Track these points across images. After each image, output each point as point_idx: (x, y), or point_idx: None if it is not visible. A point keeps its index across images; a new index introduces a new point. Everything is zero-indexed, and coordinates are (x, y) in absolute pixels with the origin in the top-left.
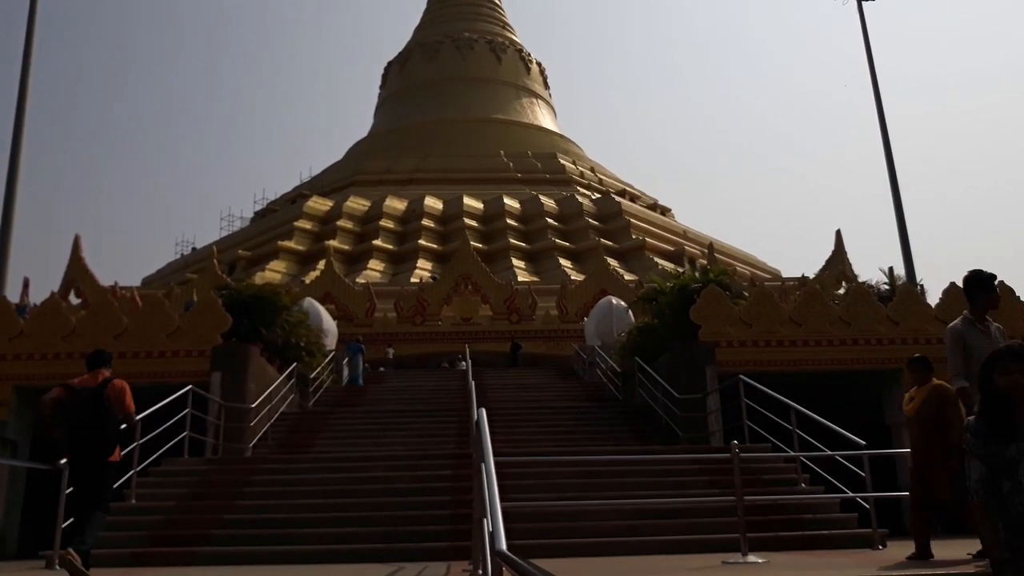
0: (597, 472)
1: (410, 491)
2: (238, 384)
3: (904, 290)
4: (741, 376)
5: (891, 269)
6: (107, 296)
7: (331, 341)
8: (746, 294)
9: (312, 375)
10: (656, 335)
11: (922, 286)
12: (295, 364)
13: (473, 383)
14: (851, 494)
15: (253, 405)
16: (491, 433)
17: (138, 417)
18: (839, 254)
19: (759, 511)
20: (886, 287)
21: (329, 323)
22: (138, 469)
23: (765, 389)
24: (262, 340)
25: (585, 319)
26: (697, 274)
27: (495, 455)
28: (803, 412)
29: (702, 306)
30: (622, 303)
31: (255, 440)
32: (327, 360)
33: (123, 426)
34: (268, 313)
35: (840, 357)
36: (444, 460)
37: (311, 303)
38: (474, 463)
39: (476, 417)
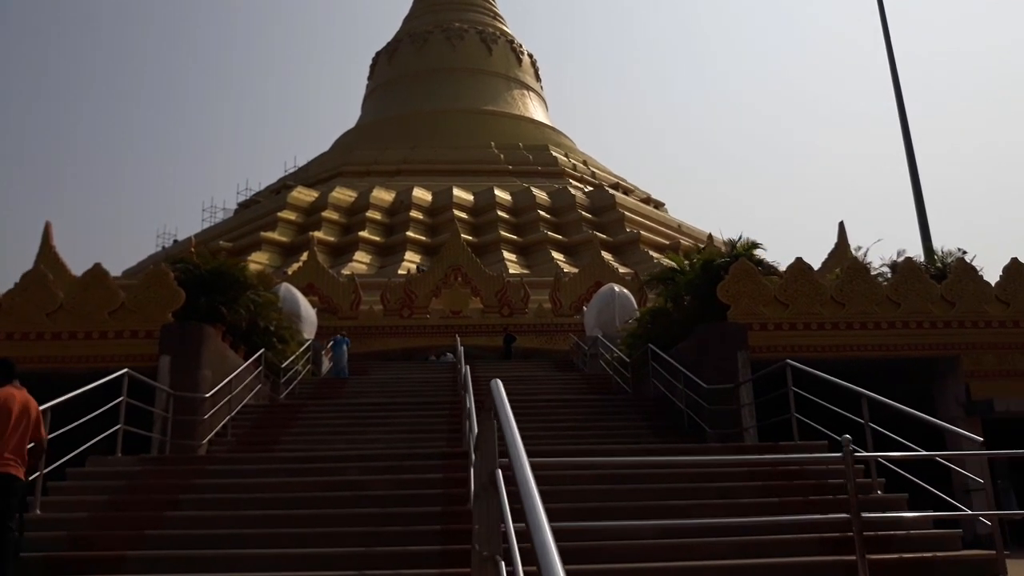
0: (622, 477)
1: (391, 499)
2: (190, 370)
3: (960, 266)
4: (788, 360)
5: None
6: (41, 268)
7: (309, 330)
8: (781, 269)
9: (284, 364)
10: (672, 319)
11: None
12: (263, 351)
13: (468, 367)
14: (971, 512)
15: (208, 395)
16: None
17: (54, 403)
18: (842, 247)
19: (827, 527)
20: (938, 266)
21: (308, 311)
22: (47, 471)
23: (827, 376)
24: (223, 321)
25: (585, 307)
26: (723, 247)
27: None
28: (879, 401)
29: (732, 282)
30: (625, 290)
31: (211, 435)
32: (303, 349)
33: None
34: (230, 291)
35: (887, 342)
36: (433, 460)
37: (287, 288)
38: (475, 470)
39: (492, 392)
